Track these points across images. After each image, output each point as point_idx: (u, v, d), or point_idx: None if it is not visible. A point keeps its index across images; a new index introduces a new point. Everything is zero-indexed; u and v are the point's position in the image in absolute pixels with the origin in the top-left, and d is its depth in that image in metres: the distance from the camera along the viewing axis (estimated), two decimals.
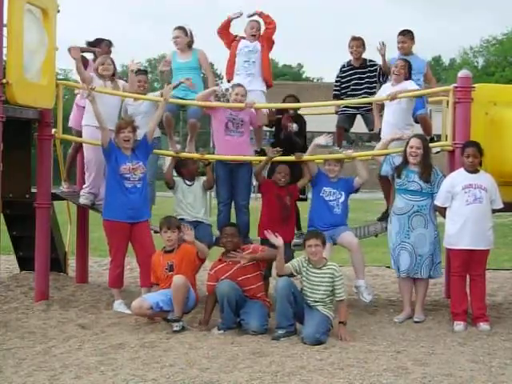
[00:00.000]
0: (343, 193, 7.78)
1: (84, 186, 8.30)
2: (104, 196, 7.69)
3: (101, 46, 8.91)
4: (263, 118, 8.08)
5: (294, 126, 8.18)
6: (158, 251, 7.30)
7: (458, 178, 7.14)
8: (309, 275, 6.70)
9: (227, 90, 8.05)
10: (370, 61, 8.59)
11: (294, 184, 7.91)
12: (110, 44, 8.98)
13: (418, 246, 7.30)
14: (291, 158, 7.85)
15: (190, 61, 8.41)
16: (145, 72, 8.60)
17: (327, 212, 7.75)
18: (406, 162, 7.36)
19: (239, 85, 8.09)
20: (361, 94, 8.45)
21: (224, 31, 8.65)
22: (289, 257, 7.59)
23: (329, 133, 8.05)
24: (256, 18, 8.62)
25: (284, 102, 8.39)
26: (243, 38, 8.62)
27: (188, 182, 7.99)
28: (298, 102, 8.43)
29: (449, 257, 7.50)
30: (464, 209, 7.02)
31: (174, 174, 8.22)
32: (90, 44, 8.99)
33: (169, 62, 8.62)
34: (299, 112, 8.47)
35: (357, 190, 7.97)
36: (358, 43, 8.52)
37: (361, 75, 8.51)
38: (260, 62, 8.51)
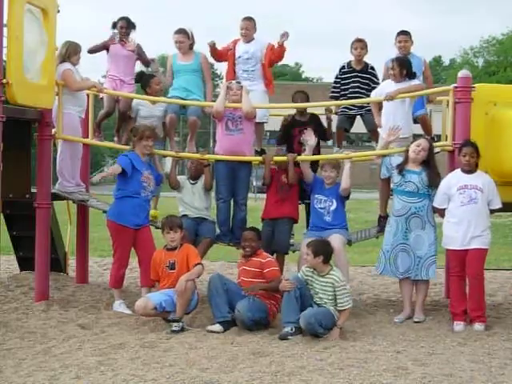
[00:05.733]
0: (334, 200, 7.71)
1: (69, 185, 8.33)
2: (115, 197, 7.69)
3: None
4: (247, 104, 7.79)
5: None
6: (160, 249, 7.32)
7: (454, 179, 7.15)
8: (313, 282, 6.77)
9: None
10: (372, 68, 8.58)
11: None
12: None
13: (417, 248, 7.30)
14: (285, 158, 7.85)
15: (191, 63, 8.40)
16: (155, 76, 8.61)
17: (317, 218, 7.78)
18: (406, 161, 7.36)
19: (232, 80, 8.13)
20: (360, 98, 8.40)
21: (218, 56, 8.56)
22: (286, 235, 7.82)
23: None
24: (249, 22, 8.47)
25: (293, 98, 8.30)
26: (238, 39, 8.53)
27: (192, 181, 8.09)
28: (308, 98, 8.34)
29: (447, 257, 7.51)
30: (459, 209, 7.03)
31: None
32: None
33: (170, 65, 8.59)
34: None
35: (347, 197, 7.87)
36: (361, 45, 8.50)
37: (361, 79, 8.49)
38: (260, 70, 8.43)
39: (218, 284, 6.94)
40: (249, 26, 8.47)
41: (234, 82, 8.06)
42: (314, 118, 8.27)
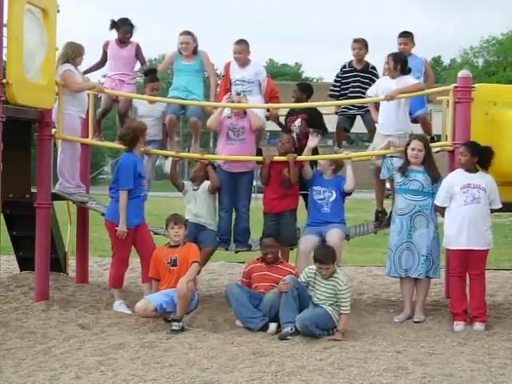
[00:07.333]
0: (334, 192, 7.71)
1: (69, 186, 8.33)
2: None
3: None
4: (257, 119, 7.93)
5: (297, 122, 8.16)
6: (162, 245, 7.33)
7: (457, 178, 7.16)
8: (315, 284, 6.79)
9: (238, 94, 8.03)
10: (373, 67, 8.57)
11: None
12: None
13: (421, 246, 7.29)
14: (285, 158, 7.83)
15: (193, 63, 8.38)
16: (157, 79, 8.55)
17: (315, 210, 7.76)
18: (407, 163, 7.36)
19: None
20: (361, 97, 8.40)
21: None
22: (291, 226, 7.83)
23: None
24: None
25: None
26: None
27: (195, 187, 8.08)
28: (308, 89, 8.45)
29: (448, 257, 7.51)
30: (462, 209, 7.03)
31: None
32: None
33: (170, 62, 8.60)
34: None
35: (349, 194, 7.88)
36: (359, 45, 8.50)
37: (362, 79, 8.48)
38: (257, 88, 8.34)
39: (240, 292, 6.99)
40: (241, 50, 8.32)
41: (233, 93, 8.01)
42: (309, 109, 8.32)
